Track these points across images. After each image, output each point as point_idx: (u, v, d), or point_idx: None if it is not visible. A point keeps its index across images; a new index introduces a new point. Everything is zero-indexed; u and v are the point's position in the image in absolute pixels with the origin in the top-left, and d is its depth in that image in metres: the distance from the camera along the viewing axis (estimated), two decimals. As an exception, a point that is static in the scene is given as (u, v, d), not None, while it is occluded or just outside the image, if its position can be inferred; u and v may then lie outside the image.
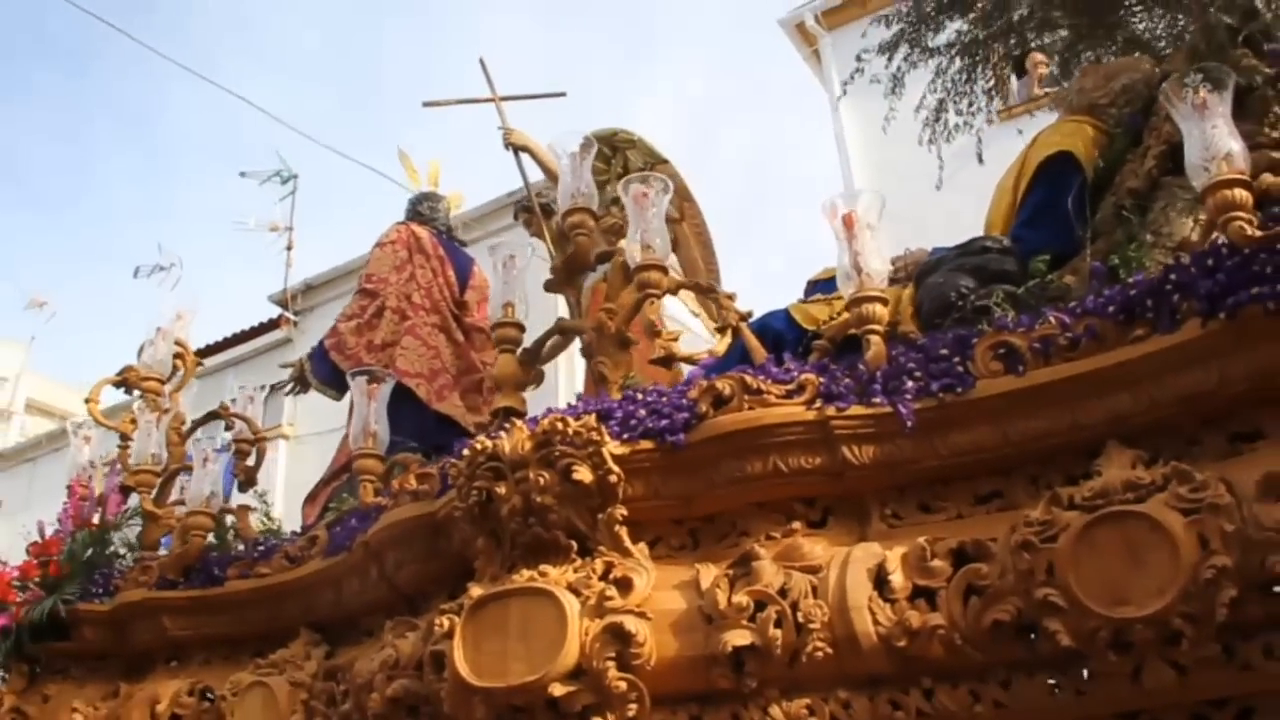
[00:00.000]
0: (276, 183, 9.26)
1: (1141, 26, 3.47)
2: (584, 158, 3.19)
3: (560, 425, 2.56)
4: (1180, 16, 3.21)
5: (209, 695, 3.34)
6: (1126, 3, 3.35)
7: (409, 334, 4.33)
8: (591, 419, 2.57)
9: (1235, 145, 2.31)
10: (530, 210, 4.59)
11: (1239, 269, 2.21)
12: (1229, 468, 2.22)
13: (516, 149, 4.59)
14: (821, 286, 3.32)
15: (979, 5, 3.51)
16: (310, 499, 4.31)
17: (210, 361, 11.11)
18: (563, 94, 4.83)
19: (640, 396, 2.65)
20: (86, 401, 3.90)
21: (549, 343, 3.47)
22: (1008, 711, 2.30)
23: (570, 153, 3.18)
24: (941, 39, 3.68)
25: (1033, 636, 2.25)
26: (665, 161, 4.24)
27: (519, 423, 2.66)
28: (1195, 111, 2.35)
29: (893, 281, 3.15)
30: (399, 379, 4.10)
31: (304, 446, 10.81)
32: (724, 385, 2.56)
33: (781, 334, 3.04)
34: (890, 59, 3.74)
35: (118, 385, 3.91)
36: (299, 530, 3.74)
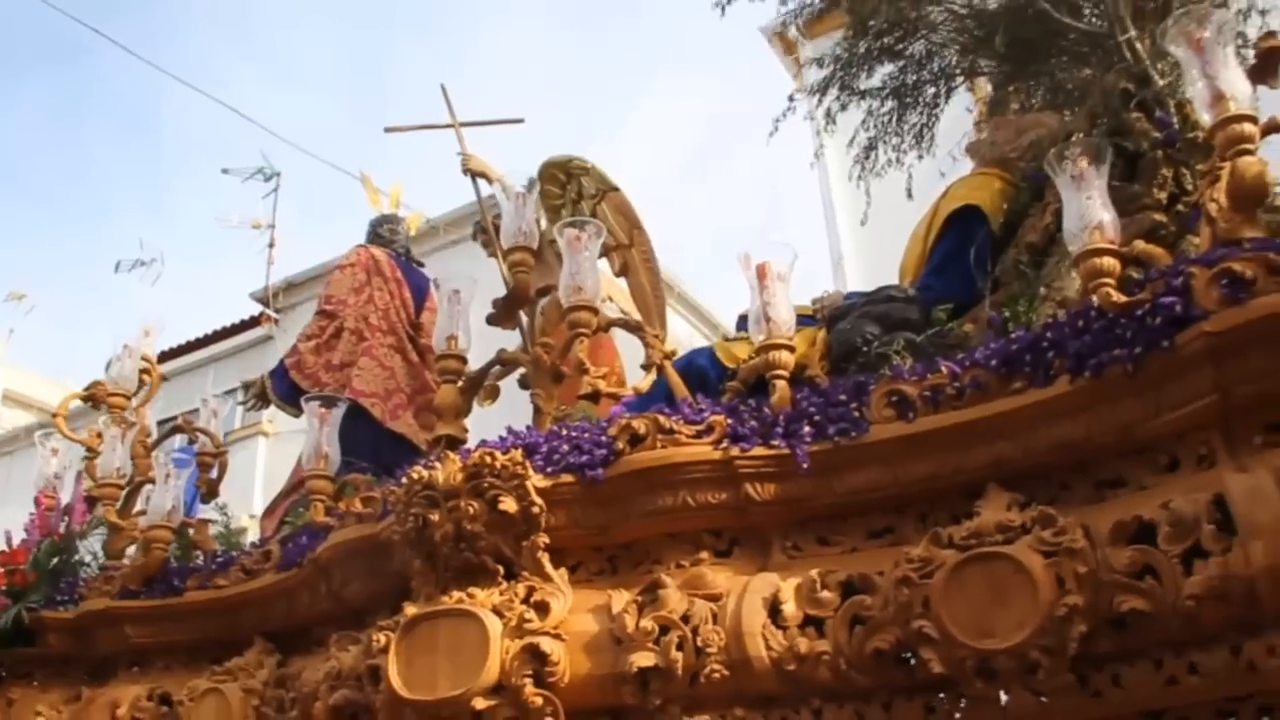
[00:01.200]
0: (259, 180, 9.46)
1: (1067, 75, 3.70)
2: (526, 198, 3.42)
3: (489, 459, 2.80)
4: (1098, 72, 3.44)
5: (168, 700, 3.57)
6: (1051, 54, 3.58)
7: (365, 355, 4.58)
8: (518, 454, 2.81)
9: (1107, 216, 2.55)
10: (487, 232, 4.82)
11: (1104, 331, 2.45)
12: (1091, 513, 2.46)
13: (474, 174, 4.83)
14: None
15: (907, 52, 3.74)
16: (269, 512, 4.56)
17: (191, 358, 11.37)
18: (520, 120, 5.08)
19: (565, 432, 2.89)
20: (54, 416, 4.15)
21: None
22: (887, 731, 2.55)
23: (513, 193, 3.41)
24: (875, 80, 3.91)
25: (911, 663, 2.50)
26: (616, 189, 4.48)
27: (452, 455, 2.90)
28: (1074, 182, 2.59)
29: (813, 320, 3.40)
30: (355, 399, 4.35)
31: (284, 443, 11.07)
32: (640, 424, 2.80)
33: (705, 371, 3.28)
34: (821, 100, 3.98)
35: (85, 400, 4.15)
36: (258, 541, 3.98)
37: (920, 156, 4.05)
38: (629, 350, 5.04)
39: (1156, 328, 2.37)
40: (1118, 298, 2.47)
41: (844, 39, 3.79)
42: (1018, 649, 2.34)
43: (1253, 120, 2.48)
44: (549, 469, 2.83)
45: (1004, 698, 2.43)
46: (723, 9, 4.35)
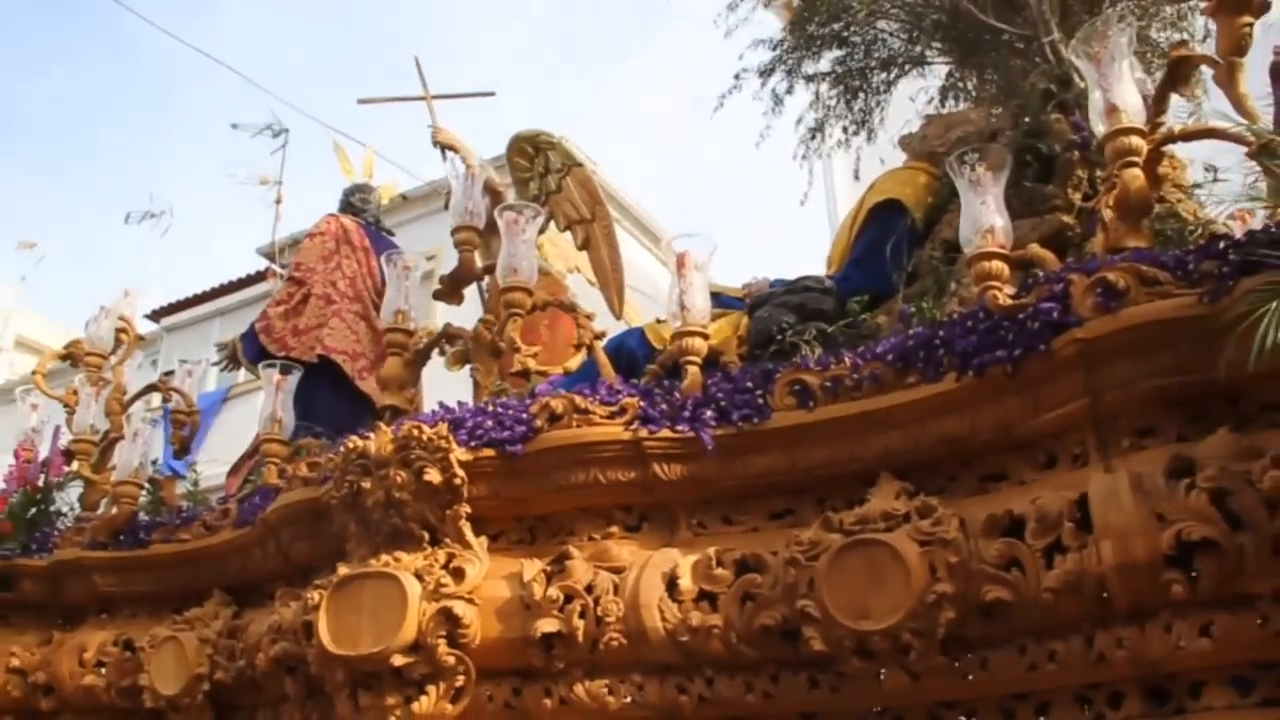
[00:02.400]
0: (268, 136, 9.62)
1: (1011, 68, 3.76)
2: (475, 178, 3.57)
3: (416, 432, 2.97)
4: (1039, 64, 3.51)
5: (131, 646, 3.80)
6: (993, 48, 3.65)
7: (336, 317, 4.77)
8: (443, 428, 2.98)
9: (999, 221, 2.67)
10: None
11: (989, 332, 2.58)
12: (971, 504, 2.61)
13: (443, 147, 4.99)
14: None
15: (852, 40, 3.83)
16: (234, 470, 4.78)
17: (198, 310, 11.65)
18: (491, 93, 5.21)
19: (490, 408, 3.06)
20: (33, 374, 4.37)
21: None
22: (774, 701, 2.73)
23: (460, 174, 3.56)
24: (824, 64, 4.00)
25: (797, 639, 2.66)
26: (580, 165, 4.62)
27: (384, 427, 3.07)
28: (972, 186, 2.70)
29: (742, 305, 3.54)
30: (328, 355, 4.57)
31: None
32: (558, 404, 2.96)
33: (635, 352, 3.43)
34: (765, 82, 4.07)
35: (64, 359, 4.38)
36: (223, 498, 4.20)
37: (868, 139, 4.14)
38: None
39: (1035, 331, 2.50)
40: (1004, 300, 2.59)
41: (790, 23, 3.88)
42: (891, 631, 2.49)
43: (1141, 134, 2.59)
44: (472, 443, 3.00)
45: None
46: None
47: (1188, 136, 2.72)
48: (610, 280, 4.49)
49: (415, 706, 2.86)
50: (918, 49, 3.86)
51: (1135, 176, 2.55)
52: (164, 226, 8.47)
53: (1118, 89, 2.60)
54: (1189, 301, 2.36)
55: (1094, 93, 2.65)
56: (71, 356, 4.31)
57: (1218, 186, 3.04)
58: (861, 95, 4.02)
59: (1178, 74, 2.93)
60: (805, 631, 2.59)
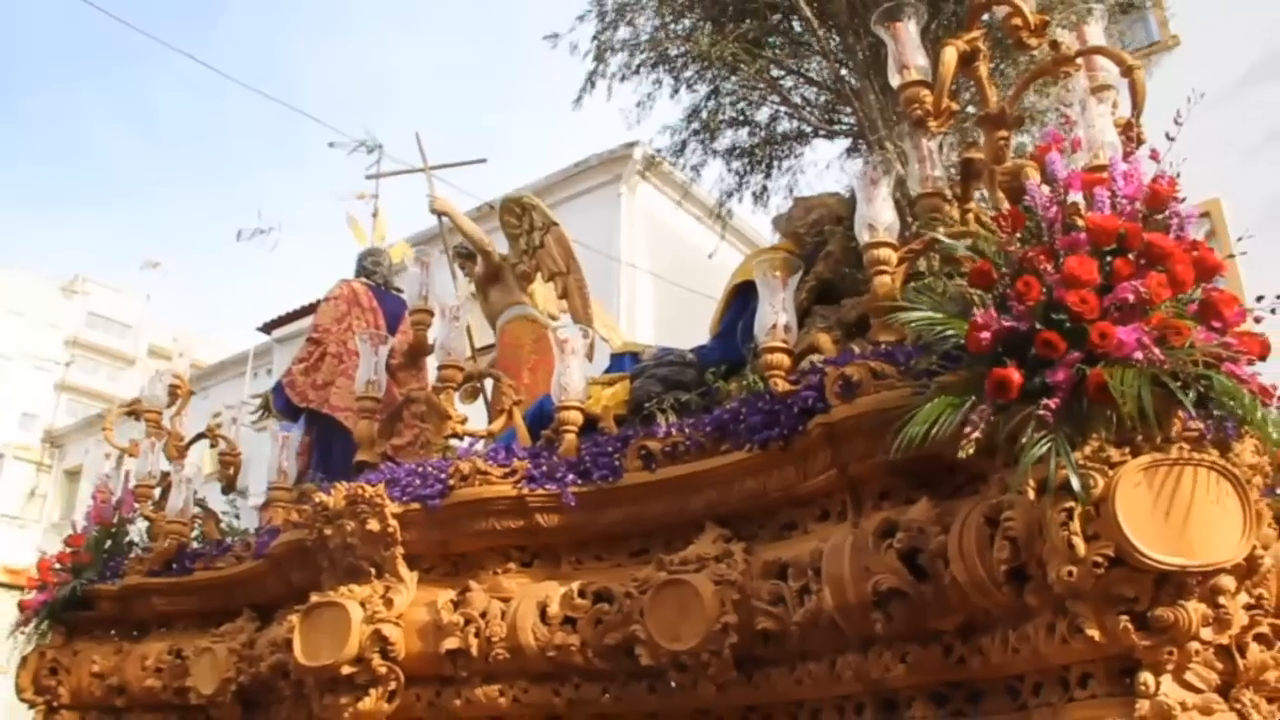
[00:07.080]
0: (363, 152, 11.08)
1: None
2: (427, 268, 4.75)
3: (360, 491, 4.19)
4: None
5: (181, 656, 5.21)
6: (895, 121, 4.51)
7: (343, 375, 6.07)
8: (381, 487, 4.19)
9: (784, 318, 3.64)
10: (464, 258, 6.22)
11: (770, 413, 3.57)
12: (767, 550, 3.61)
13: (439, 214, 6.21)
14: (614, 362, 4.78)
15: (754, 120, 4.74)
16: (264, 505, 6.16)
17: (304, 323, 13.34)
18: (483, 160, 6.36)
19: (420, 469, 4.25)
20: (102, 430, 5.84)
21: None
22: (624, 703, 3.81)
23: (416, 262, 4.75)
24: (729, 141, 4.93)
25: (634, 655, 3.74)
26: (556, 224, 5.76)
27: (339, 485, 4.30)
28: (766, 289, 3.68)
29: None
30: (332, 413, 5.88)
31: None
32: (465, 466, 4.12)
33: (551, 413, 4.53)
34: (679, 159, 5.04)
35: (128, 414, 5.83)
36: (255, 530, 5.57)
37: (789, 197, 5.06)
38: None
39: (798, 414, 3.48)
40: (783, 386, 3.57)
41: (685, 114, 4.84)
42: (694, 651, 3.53)
43: (893, 246, 3.52)
44: (404, 498, 4.20)
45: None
46: None
47: (942, 240, 3.61)
48: (583, 324, 5.61)
49: (361, 705, 4.08)
50: (828, 121, 4.75)
51: (883, 283, 3.48)
52: (273, 242, 10.02)
53: (873, 208, 3.53)
54: (906, 393, 3.26)
55: (860, 208, 3.59)
56: (134, 412, 5.76)
57: None
58: (766, 165, 4.96)
59: (969, 172, 3.83)
60: (637, 650, 3.67)
